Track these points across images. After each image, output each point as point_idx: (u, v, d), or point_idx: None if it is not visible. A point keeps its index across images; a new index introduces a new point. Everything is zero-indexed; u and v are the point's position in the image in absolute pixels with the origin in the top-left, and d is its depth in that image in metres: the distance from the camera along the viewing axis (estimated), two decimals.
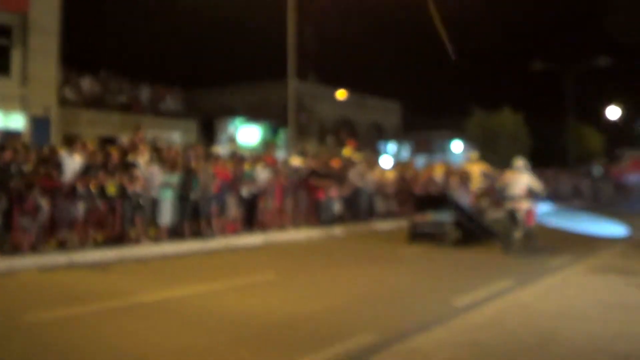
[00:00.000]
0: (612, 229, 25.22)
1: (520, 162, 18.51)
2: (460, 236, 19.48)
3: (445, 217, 19.30)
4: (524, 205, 17.60)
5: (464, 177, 23.97)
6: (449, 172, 31.32)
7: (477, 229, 20.21)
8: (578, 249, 18.64)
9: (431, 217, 19.42)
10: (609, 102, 65.29)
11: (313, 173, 22.74)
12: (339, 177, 23.46)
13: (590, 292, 11.76)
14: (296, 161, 23.62)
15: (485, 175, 29.53)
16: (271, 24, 37.43)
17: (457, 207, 19.85)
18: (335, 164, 24.52)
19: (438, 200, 20.48)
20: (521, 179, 17.94)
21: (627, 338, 8.45)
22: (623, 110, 65.92)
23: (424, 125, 65.52)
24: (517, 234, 17.47)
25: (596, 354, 7.76)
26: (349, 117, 58.83)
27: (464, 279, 13.59)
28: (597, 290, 12.05)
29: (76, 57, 37.91)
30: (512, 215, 17.62)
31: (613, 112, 65.13)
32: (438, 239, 19.12)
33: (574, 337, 8.50)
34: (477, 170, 27.32)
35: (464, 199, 20.89)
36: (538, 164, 47.13)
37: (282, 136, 41.62)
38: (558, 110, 58.20)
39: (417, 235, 19.59)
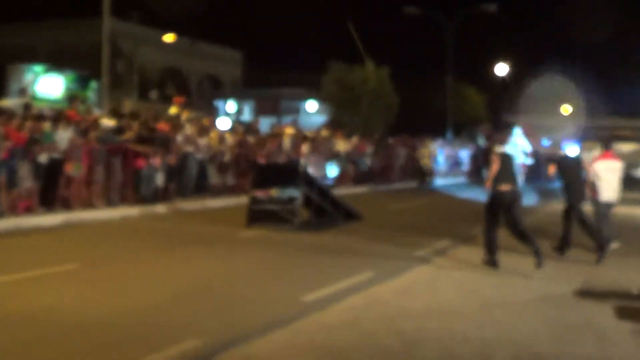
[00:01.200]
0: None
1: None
2: (311, 216, 19.62)
3: (293, 192, 19.20)
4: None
5: (317, 143, 24.82)
6: (300, 137, 31.73)
7: (332, 208, 20.41)
8: (464, 227, 19.59)
9: (276, 192, 19.23)
10: (494, 60, 67.33)
11: (133, 136, 22.32)
12: (164, 142, 23.11)
13: (466, 286, 12.12)
14: (110, 121, 23.09)
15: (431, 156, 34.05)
16: None
17: (308, 181, 19.91)
18: (160, 125, 24.14)
19: (285, 171, 20.54)
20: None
21: (507, 342, 8.69)
22: (511, 68, 67.92)
23: (271, 81, 65.72)
24: None
25: (471, 359, 7.95)
26: (178, 67, 58.38)
27: (316, 269, 13.69)
28: (475, 282, 12.44)
29: None
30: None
31: (501, 70, 66.92)
32: (284, 220, 19.05)
33: (444, 339, 8.69)
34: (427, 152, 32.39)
35: (318, 170, 21.08)
36: (407, 130, 48.31)
37: (94, 89, 40.80)
38: (436, 66, 59.70)
39: (259, 215, 19.36)
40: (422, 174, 42.60)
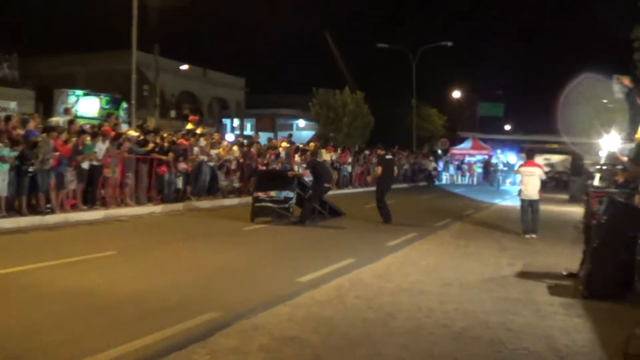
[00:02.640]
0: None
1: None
2: (304, 213, 19.57)
3: (288, 193, 19.30)
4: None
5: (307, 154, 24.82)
6: (293, 149, 31.85)
7: (321, 207, 20.48)
8: (428, 222, 20.03)
9: (275, 193, 19.34)
10: (451, 85, 68.05)
11: (156, 147, 22.30)
12: (182, 152, 23.13)
13: (430, 270, 12.24)
14: (135, 132, 23.01)
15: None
16: None
17: (300, 184, 20.04)
18: (180, 140, 24.11)
19: (281, 177, 20.54)
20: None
21: (463, 314, 8.86)
22: (464, 93, 68.76)
23: (269, 103, 65.91)
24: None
25: (434, 328, 8.10)
26: (192, 90, 58.39)
27: (308, 256, 13.71)
28: (437, 267, 12.58)
29: None
30: None
31: (456, 94, 68.38)
32: (281, 215, 19.16)
33: (413, 312, 8.84)
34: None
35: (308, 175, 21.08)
36: (381, 143, 48.61)
37: (123, 109, 40.75)
38: (403, 91, 60.12)
39: (261, 211, 19.42)
40: (430, 178, 51.17)
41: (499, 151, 55.34)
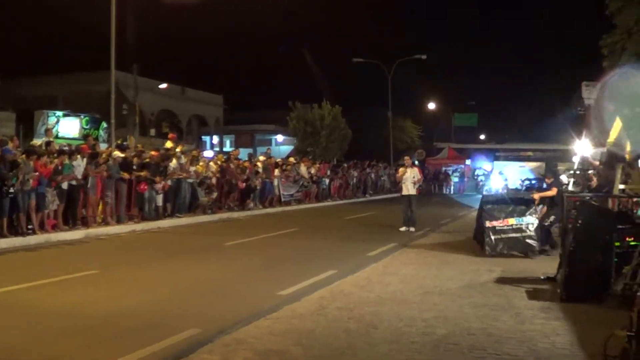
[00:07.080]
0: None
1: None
2: (550, 240, 16.58)
3: (530, 220, 15.90)
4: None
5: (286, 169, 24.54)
6: (272, 164, 31.75)
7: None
8: (406, 233, 20.11)
9: (514, 221, 15.92)
10: (426, 98, 68.60)
11: (135, 165, 22.13)
12: (161, 169, 22.94)
13: (410, 279, 12.17)
14: (117, 153, 22.79)
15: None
16: (93, 13, 36.50)
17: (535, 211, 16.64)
18: (157, 156, 23.86)
19: (519, 200, 16.89)
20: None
21: (443, 321, 8.79)
22: (438, 105, 69.41)
23: (247, 119, 66.01)
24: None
25: (415, 336, 8.03)
26: (171, 109, 58.32)
27: (290, 269, 13.69)
28: (417, 276, 12.52)
29: None
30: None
31: (431, 106, 69.13)
32: (525, 248, 15.74)
33: (394, 321, 8.76)
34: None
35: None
36: (359, 155, 48.90)
37: (104, 128, 40.55)
38: (379, 104, 60.37)
39: (501, 245, 15.77)
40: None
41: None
